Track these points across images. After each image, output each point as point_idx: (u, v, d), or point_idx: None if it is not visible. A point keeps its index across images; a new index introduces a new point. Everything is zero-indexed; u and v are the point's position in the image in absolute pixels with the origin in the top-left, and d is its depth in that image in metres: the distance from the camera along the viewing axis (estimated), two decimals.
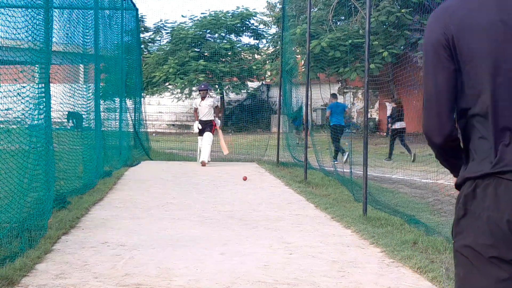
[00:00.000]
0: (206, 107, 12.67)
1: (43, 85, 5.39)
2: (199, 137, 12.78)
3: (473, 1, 1.62)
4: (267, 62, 27.74)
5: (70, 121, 10.87)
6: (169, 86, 28.98)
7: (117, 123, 12.37)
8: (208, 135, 12.49)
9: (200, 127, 12.75)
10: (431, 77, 1.66)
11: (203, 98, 12.75)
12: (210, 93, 13.45)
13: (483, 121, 1.61)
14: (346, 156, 12.54)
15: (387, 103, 24.16)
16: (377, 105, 26.54)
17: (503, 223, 1.55)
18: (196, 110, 12.99)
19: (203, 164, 12.33)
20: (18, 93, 4.78)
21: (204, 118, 12.70)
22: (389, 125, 14.84)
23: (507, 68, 1.57)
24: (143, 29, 29.13)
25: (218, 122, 13.04)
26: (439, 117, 1.68)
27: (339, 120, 13.90)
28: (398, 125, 14.31)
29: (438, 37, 1.63)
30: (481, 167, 1.60)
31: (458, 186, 1.69)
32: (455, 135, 1.71)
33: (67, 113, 8.37)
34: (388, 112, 24.29)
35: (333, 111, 14.05)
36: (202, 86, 12.96)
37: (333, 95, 15.28)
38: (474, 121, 1.63)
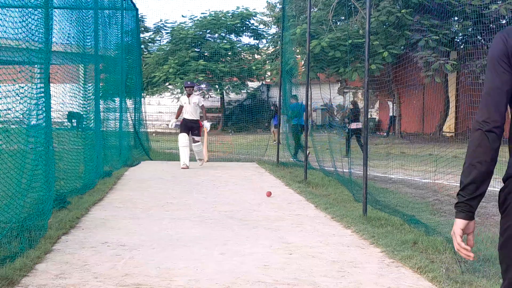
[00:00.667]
0: (192, 105, 12.01)
1: (42, 85, 5.39)
2: (181, 134, 12.00)
3: None
4: (267, 62, 27.74)
5: (72, 121, 10.87)
6: (169, 86, 28.98)
7: (117, 123, 12.37)
8: (198, 141, 12.07)
9: (174, 124, 12.51)
10: (489, 80, 2.02)
11: (189, 95, 12.09)
12: (196, 92, 12.99)
13: None
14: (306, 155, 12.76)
15: (389, 102, 24.17)
16: (377, 105, 26.55)
17: None
18: (181, 108, 12.25)
19: (186, 167, 11.79)
20: (17, 93, 4.78)
21: (190, 117, 12.06)
22: (347, 125, 15.80)
23: None
24: (143, 29, 29.13)
25: (207, 125, 12.28)
26: (494, 108, 1.98)
27: (299, 120, 14.27)
28: (354, 125, 15.34)
29: (499, 50, 2.02)
30: None
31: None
32: (502, 128, 1.98)
33: (67, 113, 8.36)
34: (390, 112, 24.32)
35: (295, 111, 14.39)
36: (188, 83, 12.36)
37: (294, 96, 15.76)
38: None
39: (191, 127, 12.01)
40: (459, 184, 2.07)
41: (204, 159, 12.32)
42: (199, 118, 12.17)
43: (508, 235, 1.98)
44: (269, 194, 8.06)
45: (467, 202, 2.05)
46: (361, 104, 26.70)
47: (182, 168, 11.74)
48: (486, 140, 1.98)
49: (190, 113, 12.03)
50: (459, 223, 2.08)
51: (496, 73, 2.01)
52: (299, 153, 13.95)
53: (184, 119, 12.11)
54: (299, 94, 13.59)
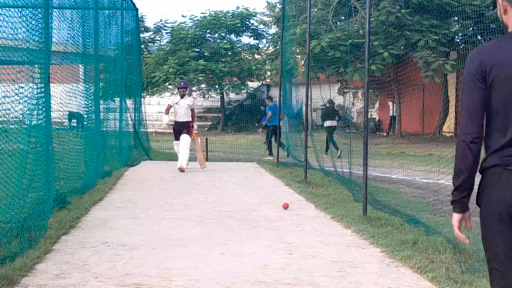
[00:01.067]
0: (184, 106, 11.32)
1: (42, 85, 5.39)
2: (175, 142, 11.60)
3: (500, 46, 2.30)
4: (267, 62, 27.73)
5: (72, 121, 10.87)
6: (169, 86, 28.98)
7: (117, 123, 12.37)
8: (185, 137, 11.24)
9: (168, 120, 11.70)
10: (469, 95, 2.32)
11: (182, 96, 11.38)
12: (190, 92, 11.98)
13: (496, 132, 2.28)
14: (270, 157, 14.93)
15: (389, 102, 24.19)
16: (377, 105, 26.55)
17: None
18: (169, 107, 11.56)
19: (181, 170, 11.07)
20: (16, 93, 4.78)
21: (180, 119, 11.39)
22: (323, 123, 16.69)
23: None
24: (143, 29, 29.13)
25: (194, 127, 11.82)
26: (475, 122, 2.30)
27: (275, 120, 14.82)
28: (329, 123, 16.17)
29: (476, 70, 2.29)
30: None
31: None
32: (481, 138, 2.31)
33: (67, 113, 8.36)
34: (391, 112, 24.34)
35: (274, 113, 15.20)
36: (182, 84, 11.55)
37: (269, 98, 16.74)
38: (496, 129, 2.28)
39: (180, 130, 11.35)
40: (452, 184, 2.41)
41: (202, 165, 11.65)
42: (190, 120, 11.50)
43: (487, 227, 2.31)
44: (286, 206, 7.06)
45: (461, 200, 2.39)
46: (360, 104, 26.74)
47: (180, 171, 11.08)
48: (470, 150, 2.32)
49: (181, 116, 11.39)
50: (457, 217, 2.42)
51: (473, 90, 2.31)
52: (273, 151, 15.05)
53: (175, 122, 11.52)
54: (299, 94, 13.59)
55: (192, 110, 11.60)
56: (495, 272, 2.30)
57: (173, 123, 11.62)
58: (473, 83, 2.30)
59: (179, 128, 11.35)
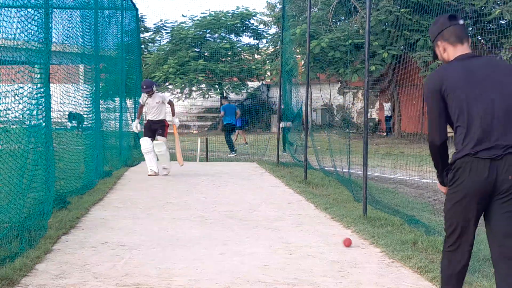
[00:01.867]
0: (154, 104, 10.48)
1: (42, 85, 5.39)
2: (142, 140, 10.57)
3: (453, 69, 3.05)
4: (267, 62, 27.73)
5: (72, 121, 10.85)
6: (169, 86, 28.99)
7: (117, 123, 12.37)
8: (161, 140, 10.43)
9: (139, 128, 11.04)
10: (433, 109, 3.07)
11: (149, 95, 10.50)
12: (157, 91, 10.86)
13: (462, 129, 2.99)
14: (233, 153, 15.84)
15: (384, 103, 24.22)
16: (377, 105, 26.55)
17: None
18: (141, 107, 10.85)
19: (154, 174, 10.35)
20: (16, 94, 4.78)
21: (153, 118, 10.55)
22: (281, 124, 17.54)
23: (472, 101, 2.96)
24: (143, 29, 29.12)
25: (176, 122, 11.10)
26: (440, 129, 3.07)
27: (231, 119, 16.20)
28: (283, 124, 16.61)
29: (436, 87, 3.04)
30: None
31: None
32: (446, 140, 3.07)
33: (68, 113, 8.36)
34: (386, 112, 24.36)
35: (226, 112, 16.33)
36: (144, 86, 10.49)
37: (225, 98, 17.96)
38: (458, 130, 3.02)
39: (155, 130, 10.56)
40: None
41: (180, 163, 11.03)
42: (164, 118, 10.75)
43: (455, 201, 3.00)
44: (348, 243, 5.11)
45: (443, 178, 3.18)
46: (360, 104, 26.72)
47: (149, 175, 10.35)
48: (440, 150, 3.11)
49: (153, 114, 10.57)
50: (444, 188, 3.20)
51: (436, 103, 3.03)
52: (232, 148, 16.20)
53: (148, 120, 10.69)
54: (299, 94, 13.59)
55: (170, 103, 10.91)
56: (453, 235, 3.05)
57: (139, 128, 11.08)
58: (435, 98, 3.03)
59: (153, 127, 10.55)
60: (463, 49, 3.11)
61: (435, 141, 3.07)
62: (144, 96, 10.55)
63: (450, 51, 3.14)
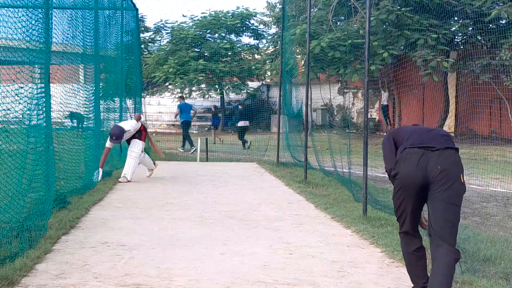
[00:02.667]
0: (129, 136, 9.83)
1: (42, 85, 5.39)
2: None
3: (408, 129, 3.75)
4: (267, 62, 27.72)
5: (73, 121, 10.84)
6: (169, 86, 28.98)
7: (117, 123, 12.35)
8: (136, 145, 9.81)
9: (99, 176, 9.30)
10: (387, 149, 3.74)
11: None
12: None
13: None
14: (193, 150, 16.71)
15: (382, 91, 24.23)
16: (377, 105, 26.53)
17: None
18: (108, 149, 9.62)
19: (124, 180, 9.57)
20: (16, 94, 4.78)
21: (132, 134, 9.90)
22: (237, 123, 19.37)
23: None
24: (143, 29, 29.12)
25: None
26: (391, 161, 3.66)
27: (187, 117, 17.57)
28: (242, 123, 18.87)
29: (390, 137, 3.77)
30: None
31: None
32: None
33: (68, 113, 8.36)
34: (383, 101, 24.37)
35: (182, 110, 17.59)
36: (114, 138, 9.42)
37: (181, 97, 18.89)
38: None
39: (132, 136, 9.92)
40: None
41: (161, 156, 10.79)
42: (139, 126, 10.01)
43: (397, 189, 3.54)
44: None
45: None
46: (360, 104, 26.71)
47: (121, 180, 9.59)
48: (390, 175, 3.67)
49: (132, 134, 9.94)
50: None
51: (390, 144, 3.72)
52: (186, 144, 17.43)
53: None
54: (299, 94, 13.59)
55: (137, 117, 10.10)
56: (399, 220, 3.63)
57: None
58: (387, 141, 3.75)
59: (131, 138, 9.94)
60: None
61: (386, 169, 3.77)
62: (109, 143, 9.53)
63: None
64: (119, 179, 9.56)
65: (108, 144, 9.51)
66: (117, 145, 9.84)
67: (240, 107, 21.04)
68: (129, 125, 9.85)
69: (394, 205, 3.60)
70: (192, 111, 18.04)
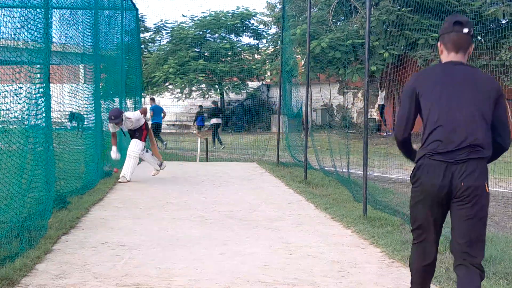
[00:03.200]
0: (128, 126, 9.72)
1: (42, 85, 5.39)
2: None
3: (432, 72, 3.19)
4: (267, 62, 27.72)
5: (73, 122, 10.83)
6: (169, 86, 28.97)
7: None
8: (135, 144, 9.71)
9: (119, 156, 9.61)
10: (403, 107, 3.21)
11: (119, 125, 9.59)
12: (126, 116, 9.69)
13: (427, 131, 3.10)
14: (164, 146, 17.98)
15: (379, 91, 24.24)
16: (377, 105, 26.53)
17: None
18: (114, 134, 9.55)
19: (123, 180, 9.52)
20: (15, 94, 4.77)
21: (131, 128, 9.83)
22: (209, 120, 20.67)
23: (439, 107, 3.06)
24: (143, 29, 29.10)
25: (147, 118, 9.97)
26: (402, 129, 3.25)
27: (158, 119, 18.24)
28: (214, 120, 19.96)
29: (411, 86, 3.18)
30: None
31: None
32: (407, 139, 3.30)
33: (68, 113, 8.36)
34: (379, 101, 24.39)
35: (155, 112, 18.17)
36: (113, 118, 9.30)
37: (152, 99, 19.93)
38: (424, 130, 3.13)
39: (132, 135, 9.91)
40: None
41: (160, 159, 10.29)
42: (141, 124, 9.92)
43: (418, 200, 3.12)
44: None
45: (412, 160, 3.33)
46: (360, 104, 26.71)
47: (121, 180, 9.59)
48: (401, 145, 3.36)
49: (131, 128, 9.82)
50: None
51: (408, 102, 3.17)
52: (161, 145, 17.76)
53: (129, 130, 9.94)
54: (299, 94, 13.59)
55: (143, 110, 10.15)
56: (415, 232, 3.20)
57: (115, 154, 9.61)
58: (406, 97, 3.17)
59: (132, 133, 9.92)
60: (455, 57, 3.14)
61: (397, 136, 3.29)
62: (113, 126, 9.42)
63: (443, 56, 3.19)
64: (119, 179, 9.52)
65: (110, 127, 9.46)
66: (117, 128, 9.60)
67: (212, 105, 21.76)
68: (131, 113, 9.91)
69: (412, 214, 3.21)
70: (162, 114, 18.52)
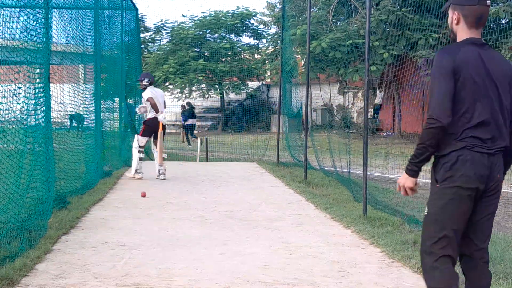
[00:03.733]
0: (143, 100, 10.01)
1: (42, 85, 5.39)
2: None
3: (469, 54, 2.78)
4: (267, 62, 27.71)
5: (73, 122, 10.83)
6: (169, 86, 28.97)
7: (117, 123, 12.35)
8: (134, 138, 10.00)
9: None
10: (442, 87, 2.72)
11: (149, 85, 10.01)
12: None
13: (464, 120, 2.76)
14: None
15: (377, 91, 24.26)
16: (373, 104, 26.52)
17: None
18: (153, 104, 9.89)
19: (129, 175, 9.89)
20: (14, 94, 4.77)
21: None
22: (183, 122, 21.72)
23: (479, 95, 2.75)
24: (143, 29, 29.09)
25: (160, 118, 10.08)
26: (446, 110, 2.71)
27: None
28: (190, 121, 21.01)
29: (449, 66, 2.73)
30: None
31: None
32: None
33: (69, 115, 8.37)
34: (377, 100, 24.40)
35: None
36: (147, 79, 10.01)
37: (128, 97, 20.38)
38: (460, 119, 2.75)
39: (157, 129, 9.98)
40: (414, 156, 2.86)
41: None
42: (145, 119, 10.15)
43: (452, 197, 2.76)
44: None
45: (420, 169, 2.90)
46: (360, 104, 26.69)
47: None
48: (441, 132, 2.72)
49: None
50: (414, 180, 2.93)
51: (446, 82, 2.72)
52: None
53: (154, 117, 9.97)
54: (299, 94, 13.59)
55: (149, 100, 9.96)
56: (443, 240, 2.74)
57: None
58: (446, 75, 2.73)
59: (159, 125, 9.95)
60: (475, 34, 2.87)
61: (442, 119, 2.70)
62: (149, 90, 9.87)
63: (462, 30, 2.89)
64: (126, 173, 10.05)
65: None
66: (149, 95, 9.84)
67: (186, 106, 22.61)
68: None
69: (438, 219, 2.78)
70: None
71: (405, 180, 2.92)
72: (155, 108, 9.84)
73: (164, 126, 10.04)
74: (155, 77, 27.86)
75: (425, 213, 2.89)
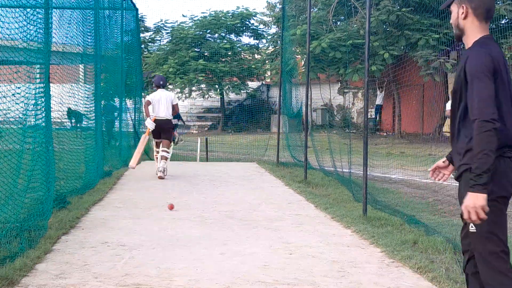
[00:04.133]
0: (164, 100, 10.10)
1: (42, 85, 5.39)
2: (156, 141, 10.35)
3: (498, 53, 2.62)
4: (267, 62, 27.71)
5: (72, 120, 10.84)
6: (169, 86, 28.97)
7: (117, 123, 12.36)
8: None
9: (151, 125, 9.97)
10: (489, 87, 2.55)
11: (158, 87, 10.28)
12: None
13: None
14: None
15: (378, 92, 24.27)
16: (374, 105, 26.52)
17: None
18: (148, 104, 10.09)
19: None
20: (13, 94, 4.77)
21: (162, 116, 10.10)
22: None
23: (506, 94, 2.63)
24: (143, 29, 29.09)
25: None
26: (495, 110, 2.52)
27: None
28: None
29: (491, 66, 2.58)
30: None
31: None
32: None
33: (67, 109, 8.36)
34: (377, 101, 24.42)
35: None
36: (161, 83, 10.34)
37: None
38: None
39: (162, 129, 10.11)
40: (477, 169, 2.51)
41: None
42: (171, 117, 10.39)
43: (501, 210, 2.61)
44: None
45: (489, 181, 2.51)
46: (360, 104, 26.69)
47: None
48: (497, 135, 2.50)
49: (163, 110, 10.08)
50: (485, 197, 2.49)
51: (491, 82, 2.55)
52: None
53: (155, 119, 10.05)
54: (299, 94, 13.59)
55: (176, 105, 10.38)
56: (503, 254, 2.54)
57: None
58: (490, 75, 2.56)
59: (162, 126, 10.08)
60: (486, 28, 2.71)
61: (495, 121, 2.51)
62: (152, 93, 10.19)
63: (472, 24, 2.70)
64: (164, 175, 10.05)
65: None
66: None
67: None
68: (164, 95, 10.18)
69: (501, 230, 2.62)
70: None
71: (474, 199, 2.50)
72: (145, 110, 10.23)
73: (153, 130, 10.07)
74: (154, 77, 27.92)
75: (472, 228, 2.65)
